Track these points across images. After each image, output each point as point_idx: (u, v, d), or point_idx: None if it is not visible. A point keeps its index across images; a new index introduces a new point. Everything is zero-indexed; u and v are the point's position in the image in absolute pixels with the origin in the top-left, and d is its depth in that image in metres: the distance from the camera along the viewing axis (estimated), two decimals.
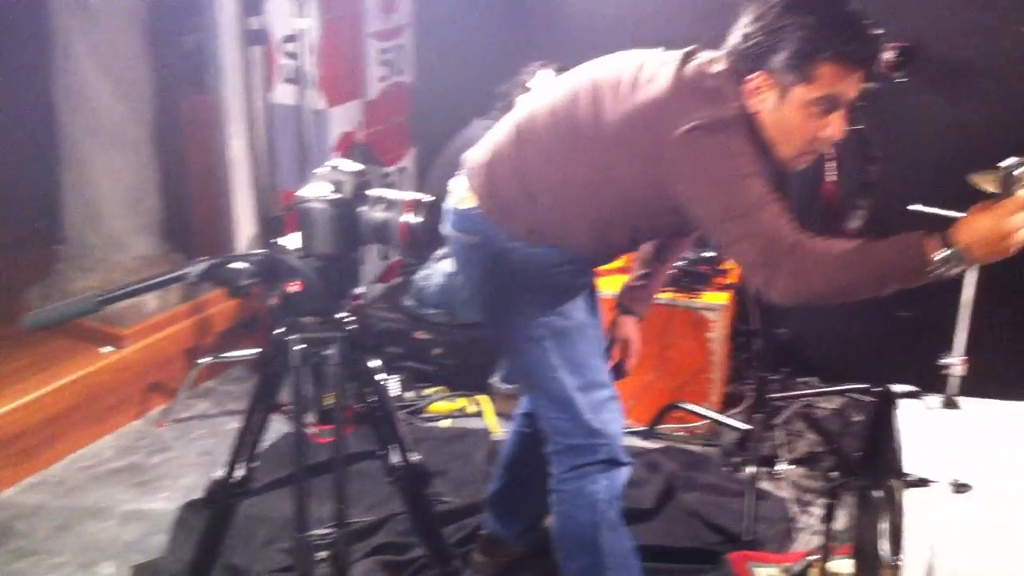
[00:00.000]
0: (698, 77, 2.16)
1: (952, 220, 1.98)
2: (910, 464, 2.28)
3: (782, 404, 3.75)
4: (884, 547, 2.29)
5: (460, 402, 3.90)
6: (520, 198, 2.31)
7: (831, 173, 3.46)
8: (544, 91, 2.38)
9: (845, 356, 3.97)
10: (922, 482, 2.18)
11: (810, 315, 3.86)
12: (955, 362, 2.91)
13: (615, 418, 2.44)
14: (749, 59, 2.11)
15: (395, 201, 2.02)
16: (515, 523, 2.86)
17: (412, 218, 2.01)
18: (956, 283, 2.93)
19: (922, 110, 3.66)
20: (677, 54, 2.24)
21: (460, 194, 2.40)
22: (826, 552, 2.72)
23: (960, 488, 2.17)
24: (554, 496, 2.48)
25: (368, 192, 2.03)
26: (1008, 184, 1.94)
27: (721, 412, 3.62)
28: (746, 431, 3.45)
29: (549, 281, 2.35)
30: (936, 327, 3.04)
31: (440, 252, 3.90)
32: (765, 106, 2.12)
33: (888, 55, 3.32)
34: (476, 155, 2.42)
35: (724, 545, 2.99)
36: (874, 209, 3.49)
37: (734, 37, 2.15)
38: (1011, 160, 1.95)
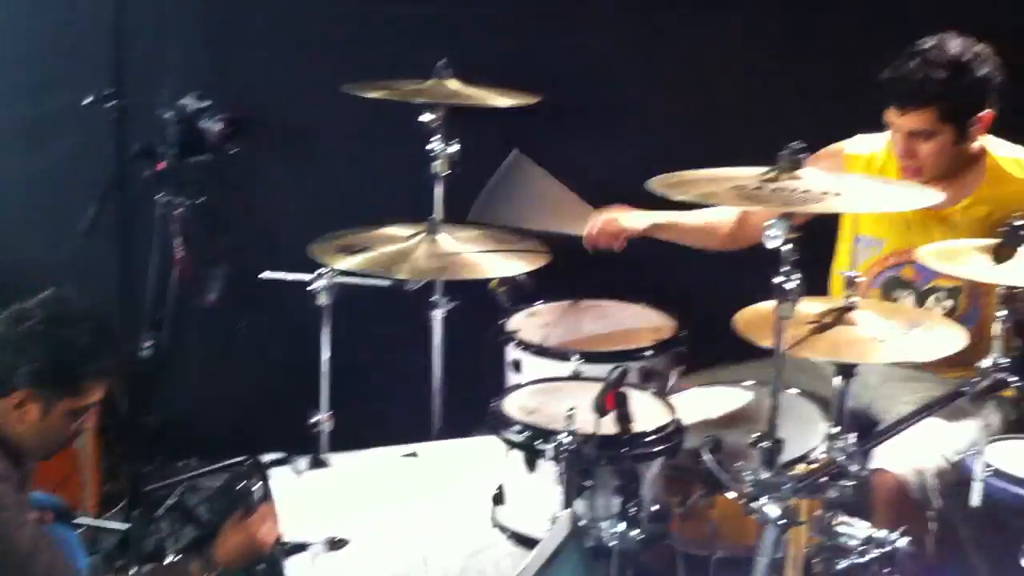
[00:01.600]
0: None
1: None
2: (287, 530, 2.28)
3: (164, 492, 3.56)
4: None
5: None
6: None
7: (179, 249, 3.37)
8: None
9: (225, 430, 3.89)
10: (300, 547, 2.20)
11: (182, 396, 3.77)
12: (322, 418, 2.98)
13: None
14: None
15: None
16: None
17: None
18: (316, 342, 3.01)
19: (266, 178, 3.71)
20: None
21: None
22: None
23: (336, 544, 2.22)
24: None
25: None
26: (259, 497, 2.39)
27: (99, 515, 3.35)
28: (125, 531, 3.22)
29: None
30: (305, 387, 3.08)
31: None
32: (29, 420, 2.23)
33: (217, 127, 3.31)
34: None
35: None
36: (231, 279, 3.47)
37: None
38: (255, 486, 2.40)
